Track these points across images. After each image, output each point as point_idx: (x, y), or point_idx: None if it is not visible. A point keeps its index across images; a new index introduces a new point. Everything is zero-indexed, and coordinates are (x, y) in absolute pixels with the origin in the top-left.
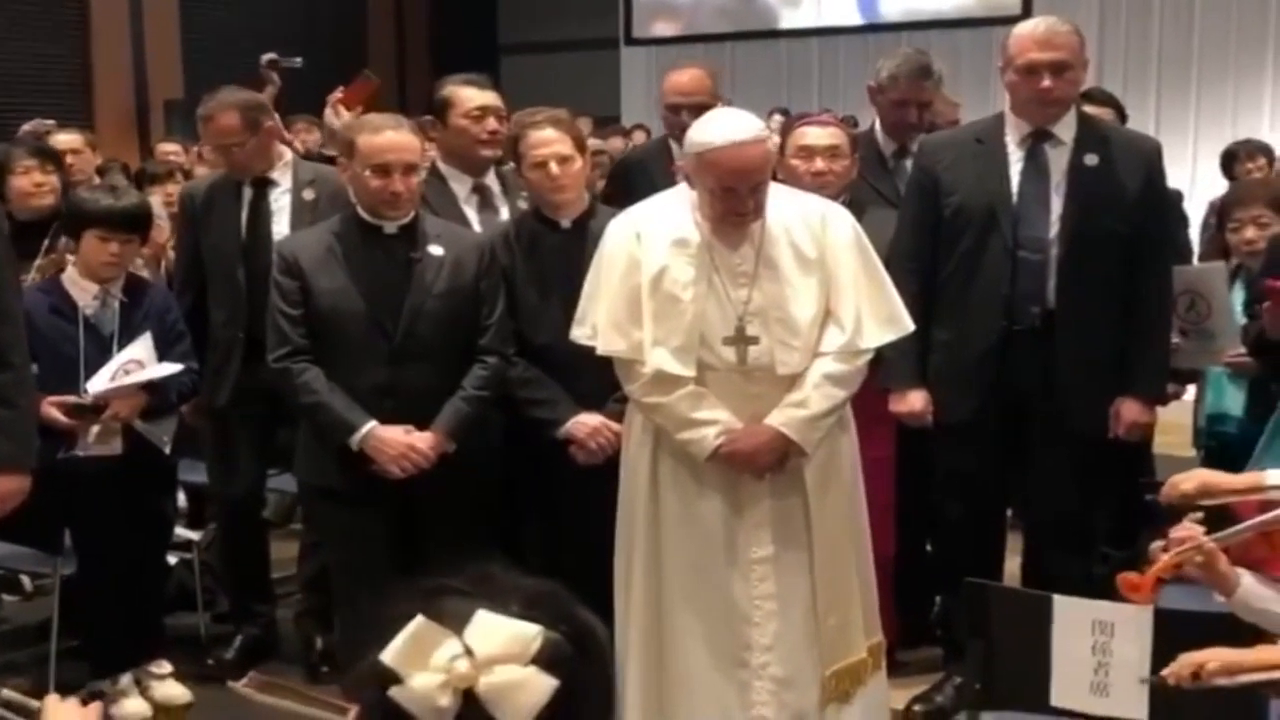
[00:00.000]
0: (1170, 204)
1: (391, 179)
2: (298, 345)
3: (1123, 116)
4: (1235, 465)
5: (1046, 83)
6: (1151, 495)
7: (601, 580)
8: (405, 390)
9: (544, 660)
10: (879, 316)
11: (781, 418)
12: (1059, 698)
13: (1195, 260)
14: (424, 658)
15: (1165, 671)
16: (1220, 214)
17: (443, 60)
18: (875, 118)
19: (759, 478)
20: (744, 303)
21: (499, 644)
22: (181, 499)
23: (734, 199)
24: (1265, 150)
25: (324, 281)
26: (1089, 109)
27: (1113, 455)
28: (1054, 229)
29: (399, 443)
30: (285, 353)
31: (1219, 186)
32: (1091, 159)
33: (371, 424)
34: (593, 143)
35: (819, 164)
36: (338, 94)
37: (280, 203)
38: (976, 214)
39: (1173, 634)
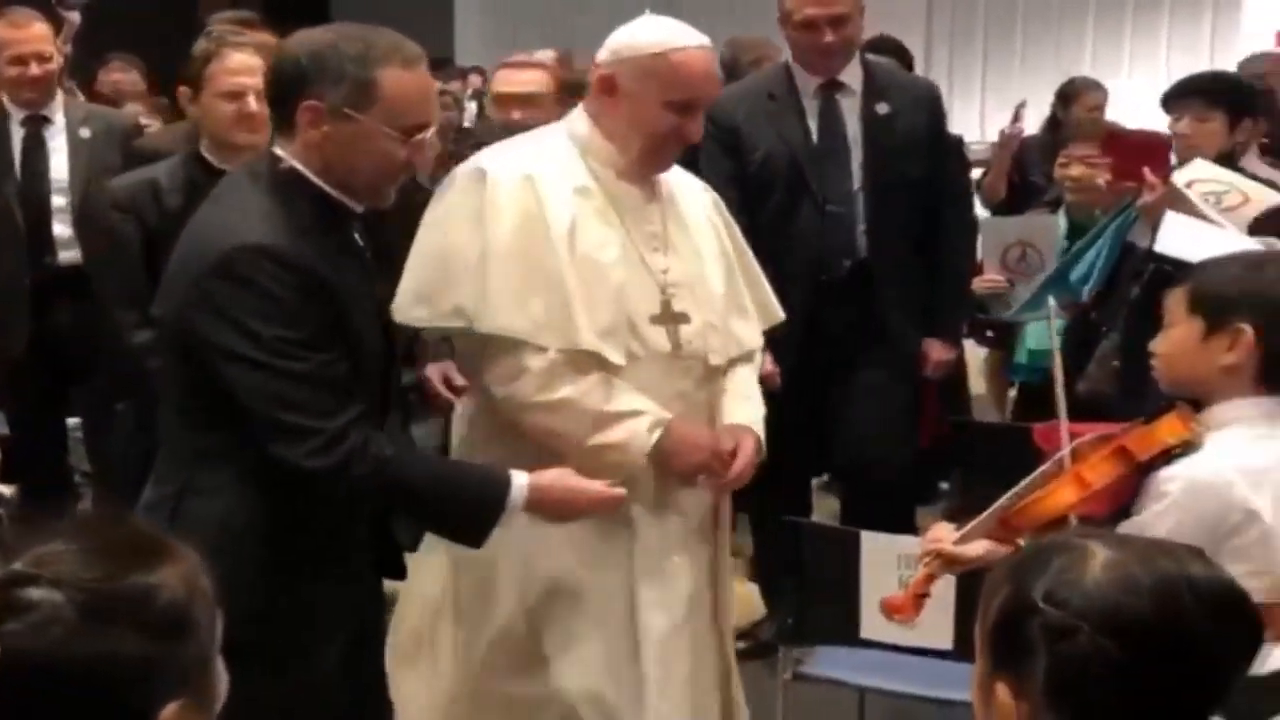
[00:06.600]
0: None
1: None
2: (358, 409)
3: (908, 65)
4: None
5: (829, 38)
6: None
7: None
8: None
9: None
10: (760, 304)
11: (749, 415)
12: (869, 630)
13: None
14: None
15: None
16: (1049, 149)
17: None
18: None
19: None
20: (663, 272)
21: None
22: None
23: (691, 118)
24: (1100, 89)
25: (353, 309)
26: (874, 57)
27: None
28: (856, 180)
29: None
30: (342, 426)
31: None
32: (883, 107)
33: (524, 476)
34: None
35: (516, 114)
36: None
37: (56, 141)
38: (781, 169)
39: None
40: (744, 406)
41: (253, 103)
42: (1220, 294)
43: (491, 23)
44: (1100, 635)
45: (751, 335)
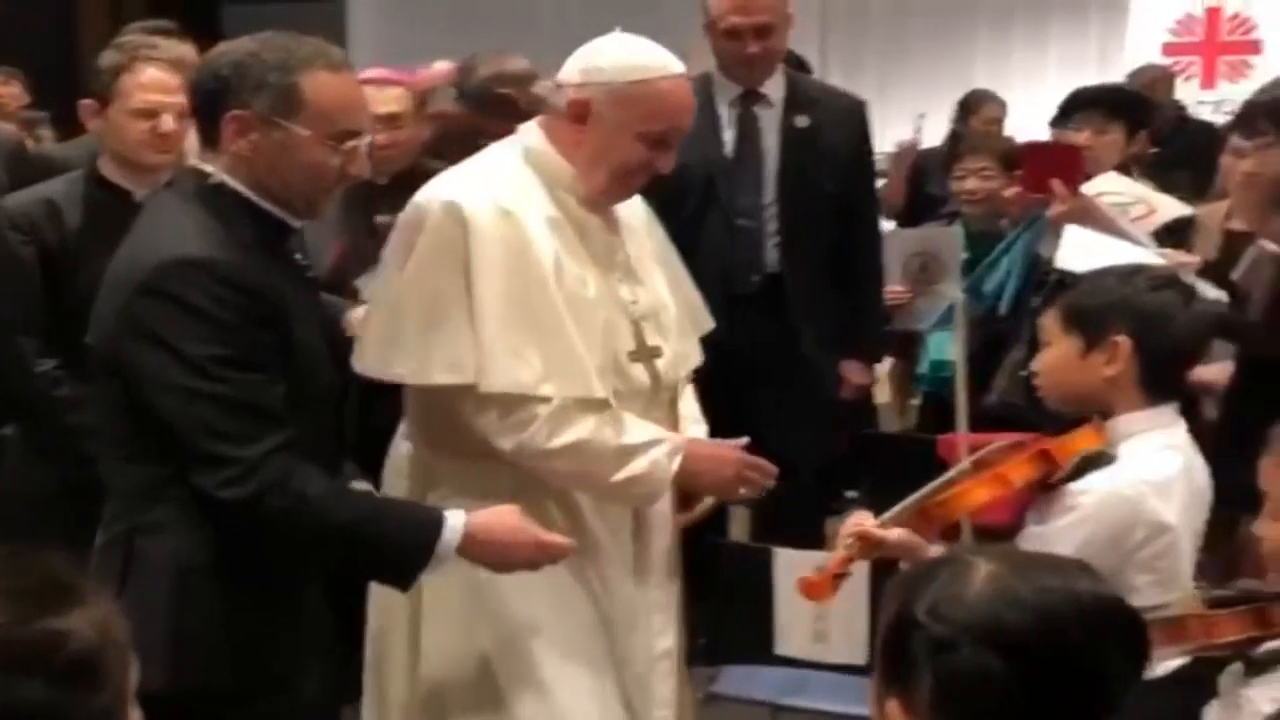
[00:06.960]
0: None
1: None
2: (283, 437)
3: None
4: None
5: (752, 48)
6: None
7: None
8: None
9: None
10: (694, 312)
11: (701, 433)
12: (782, 646)
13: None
14: None
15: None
16: (947, 162)
17: (161, 3)
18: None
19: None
20: (632, 303)
21: None
22: None
23: (663, 150)
24: (999, 101)
25: (300, 328)
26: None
27: (838, 411)
28: (770, 194)
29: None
30: (259, 455)
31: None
32: (803, 120)
33: (461, 518)
34: None
35: (382, 136)
36: None
37: None
38: (693, 180)
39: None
40: (696, 430)
41: (169, 121)
42: (1093, 309)
43: (386, 32)
44: (981, 648)
45: (696, 351)
